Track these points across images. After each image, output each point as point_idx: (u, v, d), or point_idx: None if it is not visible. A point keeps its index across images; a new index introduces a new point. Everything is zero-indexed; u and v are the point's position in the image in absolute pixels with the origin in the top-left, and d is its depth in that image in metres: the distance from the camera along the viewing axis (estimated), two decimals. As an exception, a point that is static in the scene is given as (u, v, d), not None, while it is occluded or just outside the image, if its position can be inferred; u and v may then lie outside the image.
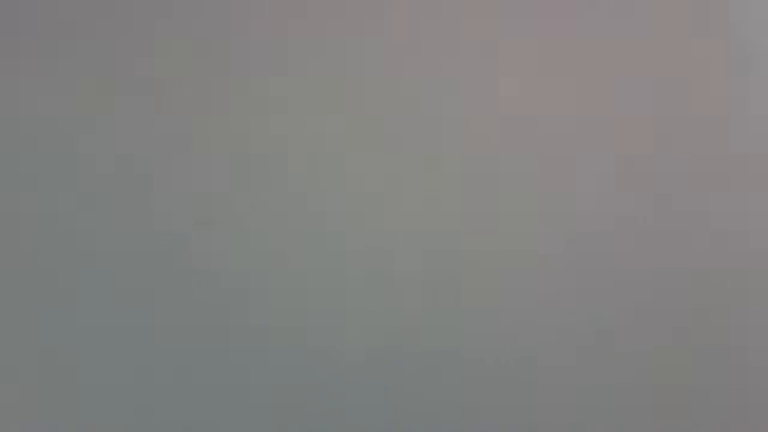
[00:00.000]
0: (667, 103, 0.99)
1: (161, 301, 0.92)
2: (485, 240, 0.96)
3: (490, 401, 0.95)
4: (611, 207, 0.97)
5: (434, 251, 0.95)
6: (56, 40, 0.93)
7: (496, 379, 0.95)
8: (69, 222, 0.92)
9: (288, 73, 0.95)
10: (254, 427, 0.93)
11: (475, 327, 0.95)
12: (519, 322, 0.96)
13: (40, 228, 0.92)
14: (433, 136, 0.96)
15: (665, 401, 0.97)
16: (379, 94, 0.96)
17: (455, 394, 0.95)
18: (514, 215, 0.96)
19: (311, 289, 0.94)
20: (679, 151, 0.99)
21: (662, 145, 0.98)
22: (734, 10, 1.00)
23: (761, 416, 0.97)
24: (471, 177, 0.96)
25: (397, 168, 0.96)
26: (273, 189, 0.94)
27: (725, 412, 0.97)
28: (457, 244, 0.96)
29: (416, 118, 0.96)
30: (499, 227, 0.96)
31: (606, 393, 0.96)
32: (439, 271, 0.95)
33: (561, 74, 0.98)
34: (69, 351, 0.92)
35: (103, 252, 0.92)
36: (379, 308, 0.95)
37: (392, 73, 0.96)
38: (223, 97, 0.94)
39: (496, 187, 0.96)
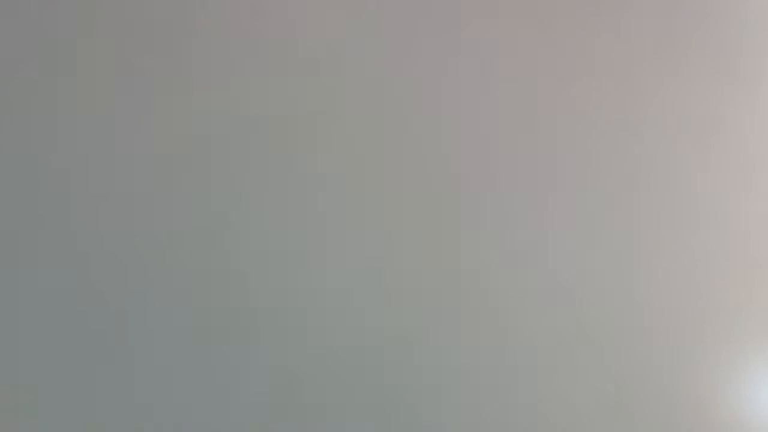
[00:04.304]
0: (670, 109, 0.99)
1: (161, 307, 0.93)
2: (485, 241, 0.96)
3: (490, 405, 0.95)
4: (612, 206, 0.98)
5: (435, 254, 0.96)
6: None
7: (497, 383, 0.96)
8: (70, 222, 0.92)
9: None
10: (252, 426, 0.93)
11: (475, 330, 0.95)
12: (519, 324, 0.96)
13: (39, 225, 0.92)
14: (431, 138, 0.96)
15: (665, 401, 0.97)
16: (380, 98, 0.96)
17: (455, 395, 0.95)
18: (515, 217, 0.96)
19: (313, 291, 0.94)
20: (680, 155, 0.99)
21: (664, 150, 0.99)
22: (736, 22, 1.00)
23: (760, 417, 0.98)
24: (471, 180, 0.96)
25: (400, 171, 0.96)
26: (273, 190, 0.95)
27: (725, 412, 0.97)
28: (457, 246, 0.96)
29: (415, 121, 0.97)
30: (499, 230, 0.96)
31: (606, 394, 0.97)
32: (439, 275, 0.96)
33: (566, 82, 0.98)
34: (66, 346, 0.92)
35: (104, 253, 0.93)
36: (379, 310, 0.95)
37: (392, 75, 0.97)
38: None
39: (495, 192, 0.96)
